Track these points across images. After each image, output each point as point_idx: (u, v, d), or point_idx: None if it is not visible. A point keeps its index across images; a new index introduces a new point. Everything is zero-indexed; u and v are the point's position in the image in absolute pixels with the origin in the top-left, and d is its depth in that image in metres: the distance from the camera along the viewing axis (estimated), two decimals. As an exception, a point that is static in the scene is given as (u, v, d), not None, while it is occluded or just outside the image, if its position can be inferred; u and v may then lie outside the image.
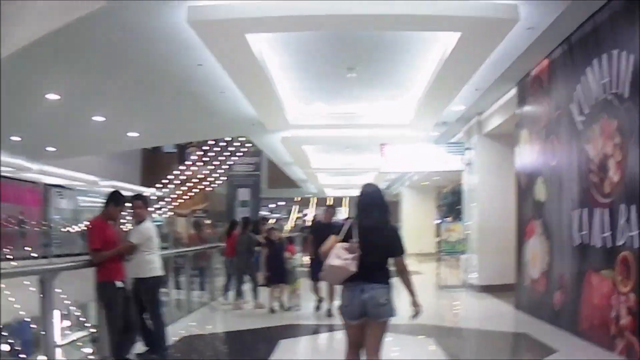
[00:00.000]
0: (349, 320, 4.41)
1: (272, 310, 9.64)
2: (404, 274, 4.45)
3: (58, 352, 5.48)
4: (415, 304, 4.43)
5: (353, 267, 4.24)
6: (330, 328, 8.52)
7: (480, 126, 12.58)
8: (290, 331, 8.37)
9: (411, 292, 4.46)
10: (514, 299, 9.70)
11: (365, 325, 4.34)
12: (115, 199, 5.88)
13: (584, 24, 6.90)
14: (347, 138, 15.54)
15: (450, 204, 18.74)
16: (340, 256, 4.29)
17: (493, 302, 10.70)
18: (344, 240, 4.39)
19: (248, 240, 10.18)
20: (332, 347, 7.95)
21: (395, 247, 4.42)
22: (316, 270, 9.25)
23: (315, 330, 8.71)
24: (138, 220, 6.27)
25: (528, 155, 9.23)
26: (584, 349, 6.53)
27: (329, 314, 9.13)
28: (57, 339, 5.98)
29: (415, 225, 26.24)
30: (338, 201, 39.17)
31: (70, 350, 6.97)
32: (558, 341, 6.94)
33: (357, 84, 10.04)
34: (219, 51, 7.87)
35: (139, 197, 6.53)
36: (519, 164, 9.74)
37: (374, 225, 4.41)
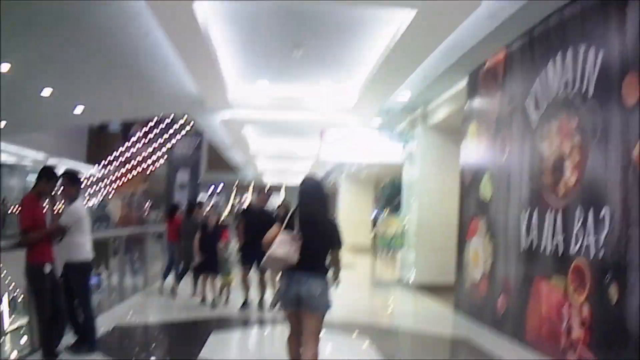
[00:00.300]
0: (285, 308, 4.55)
1: (204, 300, 9.04)
2: (336, 266, 4.59)
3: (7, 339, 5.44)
4: (336, 278, 4.61)
5: (294, 258, 4.34)
6: (263, 321, 8.08)
7: (426, 117, 12.15)
8: (222, 323, 7.80)
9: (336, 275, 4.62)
10: (454, 300, 9.31)
11: (301, 315, 4.42)
12: (47, 174, 5.48)
13: (550, 16, 6.41)
14: (288, 121, 14.88)
15: (389, 196, 18.38)
16: (282, 246, 4.36)
17: (431, 303, 10.29)
18: (286, 229, 4.47)
19: (194, 226, 9.56)
20: (263, 341, 7.47)
21: (333, 240, 4.56)
22: (246, 257, 8.69)
23: (248, 322, 8.22)
24: (68, 199, 5.78)
25: (475, 150, 8.82)
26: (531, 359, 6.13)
27: (261, 305, 8.65)
28: (5, 324, 6.11)
29: (352, 217, 25.90)
30: (277, 187, 38.89)
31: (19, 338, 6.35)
32: (502, 350, 6.54)
33: (303, 63, 9.37)
34: (164, 19, 7.34)
35: (67, 174, 5.89)
36: (464, 159, 9.33)
37: (314, 218, 4.51)
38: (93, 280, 8.79)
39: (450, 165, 11.60)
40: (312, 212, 4.51)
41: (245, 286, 8.85)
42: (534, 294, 6.40)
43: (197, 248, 9.03)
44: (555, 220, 5.99)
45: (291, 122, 14.86)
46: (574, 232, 5.60)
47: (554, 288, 5.93)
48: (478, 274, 8.24)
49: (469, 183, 8.99)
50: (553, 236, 6.00)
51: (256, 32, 8.28)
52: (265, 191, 9.28)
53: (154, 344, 7.08)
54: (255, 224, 8.11)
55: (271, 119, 14.42)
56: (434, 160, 12.18)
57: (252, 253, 8.19)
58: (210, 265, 9.02)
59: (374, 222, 14.38)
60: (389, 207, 18.45)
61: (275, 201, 13.25)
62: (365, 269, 15.34)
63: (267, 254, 4.43)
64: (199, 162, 37.70)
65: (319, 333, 4.44)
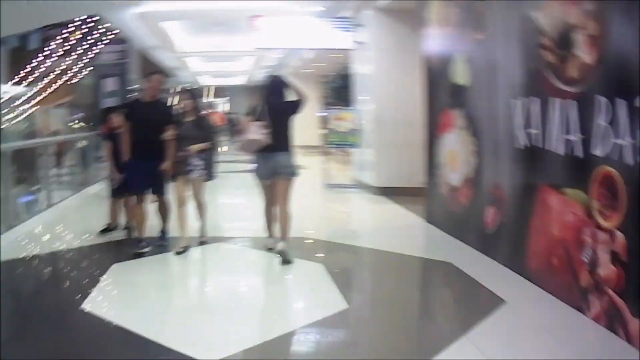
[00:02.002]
0: (263, 180, 5.82)
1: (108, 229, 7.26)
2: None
3: None
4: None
5: (267, 140, 5.57)
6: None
7: (375, -2, 10.26)
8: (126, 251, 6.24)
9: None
10: (424, 209, 7.88)
11: (275, 183, 5.71)
12: None
13: None
14: (213, 11, 12.75)
15: (338, 89, 16.52)
16: (256, 132, 5.55)
17: (396, 211, 8.88)
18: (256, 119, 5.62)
19: None
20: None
21: (297, 109, 5.83)
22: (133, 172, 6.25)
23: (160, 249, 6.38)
24: None
25: (442, 27, 7.08)
26: (538, 300, 4.61)
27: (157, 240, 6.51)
28: None
29: (298, 116, 24.23)
30: (219, 91, 37.09)
31: None
32: (498, 282, 5.05)
33: None
34: None
35: None
36: (428, 40, 7.59)
37: (278, 107, 5.72)
38: (28, 198, 8.69)
39: (408, 53, 9.98)
40: (276, 103, 5.71)
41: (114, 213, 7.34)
42: (538, 208, 4.91)
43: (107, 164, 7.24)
44: (567, 112, 4.41)
45: (218, 12, 12.77)
46: (599, 128, 4.04)
47: (569, 202, 4.44)
48: (457, 178, 6.75)
49: (436, 68, 7.30)
50: (567, 132, 4.44)
51: None
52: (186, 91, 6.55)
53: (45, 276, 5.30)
54: (143, 123, 6.02)
55: (194, 9, 12.33)
56: (389, 46, 10.42)
57: (141, 168, 6.06)
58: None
59: (323, 119, 12.55)
60: (339, 101, 16.71)
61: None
62: (316, 170, 13.84)
63: (244, 139, 5.61)
64: (127, 69, 35.02)
65: (289, 195, 5.76)
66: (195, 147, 6.01)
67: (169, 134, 5.97)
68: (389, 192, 10.06)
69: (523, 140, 5.11)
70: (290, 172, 5.71)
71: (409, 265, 5.99)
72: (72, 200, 9.68)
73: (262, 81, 5.96)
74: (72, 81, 28.58)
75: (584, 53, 4.17)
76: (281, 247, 5.66)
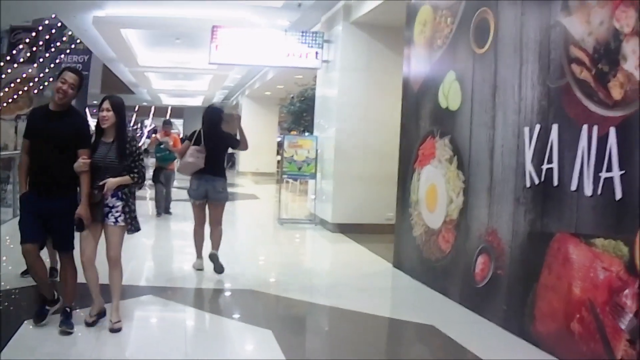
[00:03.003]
0: (195, 200, 6.03)
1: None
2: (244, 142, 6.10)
3: None
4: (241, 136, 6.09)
5: (202, 164, 5.86)
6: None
7: (349, 12, 9.33)
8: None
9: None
10: (394, 252, 6.82)
11: (209, 205, 6.02)
12: None
13: None
14: (174, 20, 11.67)
15: (298, 113, 15.46)
16: (193, 155, 5.85)
17: (359, 254, 7.75)
18: (195, 144, 5.90)
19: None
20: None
21: (232, 143, 6.13)
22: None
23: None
24: None
25: (428, 41, 6.16)
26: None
27: None
28: None
29: (254, 140, 23.13)
30: (177, 111, 35.76)
31: None
32: (496, 349, 4.01)
33: None
34: None
35: None
36: (409, 58, 6.66)
37: (215, 135, 5.99)
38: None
39: (382, 72, 9.10)
40: (213, 131, 6.00)
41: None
42: (552, 260, 3.90)
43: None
44: (604, 142, 3.47)
45: (179, 21, 11.70)
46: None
47: (600, 256, 3.45)
48: (437, 218, 5.73)
49: (418, 90, 6.36)
50: (600, 168, 3.48)
51: None
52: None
53: None
54: (44, 142, 4.05)
55: (154, 16, 11.29)
56: (360, 66, 9.46)
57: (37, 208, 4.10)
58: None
59: (280, 145, 11.42)
60: (298, 126, 15.67)
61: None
62: (269, 203, 12.75)
63: (181, 162, 5.97)
64: (88, 80, 33.24)
65: (221, 218, 6.08)
66: (112, 182, 4.07)
67: (81, 161, 4.01)
68: (349, 229, 9.01)
69: (533, 176, 4.14)
70: (222, 197, 6.01)
71: (381, 331, 4.76)
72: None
73: (206, 109, 6.24)
74: (34, 91, 26.78)
75: (635, 68, 3.24)
76: (212, 253, 5.95)
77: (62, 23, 16.24)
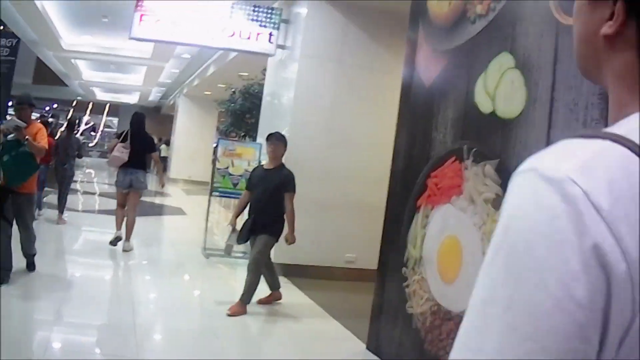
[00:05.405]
0: (120, 188, 7.28)
1: None
2: (158, 166, 8.35)
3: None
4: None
5: (126, 157, 7.04)
6: None
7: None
8: None
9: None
10: (370, 328, 4.43)
11: (129, 193, 7.26)
12: None
13: None
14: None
15: (239, 112, 12.86)
16: (119, 150, 7.04)
17: (311, 317, 5.34)
18: (122, 141, 7.10)
19: (78, 145, 9.37)
20: None
21: (152, 148, 7.61)
22: None
23: None
24: None
25: (457, 6, 3.87)
26: None
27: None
28: None
29: (189, 144, 20.88)
30: (114, 109, 35.12)
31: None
32: None
33: None
34: None
35: None
36: (417, 32, 4.37)
37: (137, 134, 7.26)
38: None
39: (357, 66, 6.85)
40: (135, 133, 7.27)
41: None
42: None
43: None
44: None
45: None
46: None
47: None
48: (458, 295, 3.41)
49: (431, 86, 4.06)
50: None
51: None
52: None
53: None
54: None
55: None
56: (328, 56, 7.14)
57: None
58: None
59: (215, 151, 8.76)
60: (238, 129, 13.20)
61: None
62: (197, 220, 10.25)
63: (110, 155, 7.20)
64: (13, 69, 29.89)
65: (137, 204, 7.49)
66: None
67: None
68: (295, 272, 6.64)
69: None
70: (142, 186, 7.42)
71: None
72: None
73: (133, 115, 7.56)
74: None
75: None
76: (126, 246, 7.25)
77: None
